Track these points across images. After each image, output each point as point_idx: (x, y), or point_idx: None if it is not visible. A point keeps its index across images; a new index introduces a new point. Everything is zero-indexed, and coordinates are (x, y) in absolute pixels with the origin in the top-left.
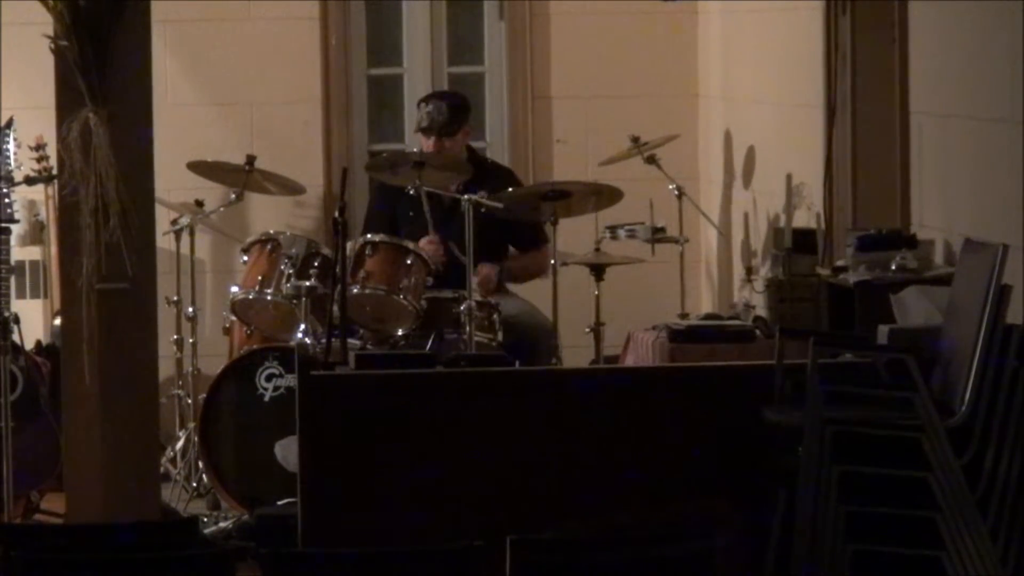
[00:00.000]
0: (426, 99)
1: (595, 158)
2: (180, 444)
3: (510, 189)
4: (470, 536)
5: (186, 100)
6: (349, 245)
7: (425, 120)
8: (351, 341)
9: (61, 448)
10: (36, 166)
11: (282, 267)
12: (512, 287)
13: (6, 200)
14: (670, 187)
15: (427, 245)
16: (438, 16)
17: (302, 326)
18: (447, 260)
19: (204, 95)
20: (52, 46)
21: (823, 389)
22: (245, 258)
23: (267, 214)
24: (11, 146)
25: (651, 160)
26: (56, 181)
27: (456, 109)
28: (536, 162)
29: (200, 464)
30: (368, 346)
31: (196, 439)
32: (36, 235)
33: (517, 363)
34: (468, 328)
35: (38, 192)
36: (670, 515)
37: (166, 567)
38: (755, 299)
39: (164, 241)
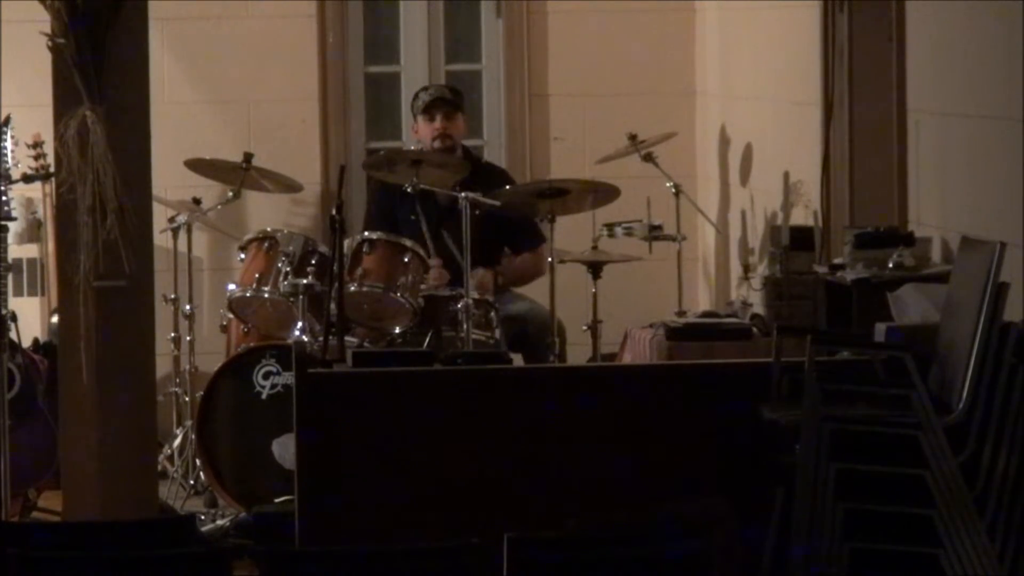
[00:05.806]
0: (424, 88)
1: (592, 156)
2: (177, 442)
3: (507, 188)
4: (467, 534)
5: (183, 98)
6: (346, 243)
7: (432, 93)
8: (348, 339)
9: (58, 446)
10: (33, 164)
11: (279, 265)
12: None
13: (3, 198)
14: (667, 185)
15: (434, 277)
16: (435, 14)
17: (299, 324)
18: (450, 275)
19: (201, 93)
20: (49, 44)
21: (821, 387)
22: (242, 256)
23: (264, 212)
24: (8, 144)
25: (648, 158)
26: (53, 179)
27: (456, 91)
28: (533, 160)
29: (197, 462)
30: (365, 344)
31: (193, 437)
32: (33, 233)
33: (522, 357)
34: (465, 326)
35: (35, 190)
36: (667, 513)
37: (163, 565)
38: (752, 297)
39: (161, 239)
